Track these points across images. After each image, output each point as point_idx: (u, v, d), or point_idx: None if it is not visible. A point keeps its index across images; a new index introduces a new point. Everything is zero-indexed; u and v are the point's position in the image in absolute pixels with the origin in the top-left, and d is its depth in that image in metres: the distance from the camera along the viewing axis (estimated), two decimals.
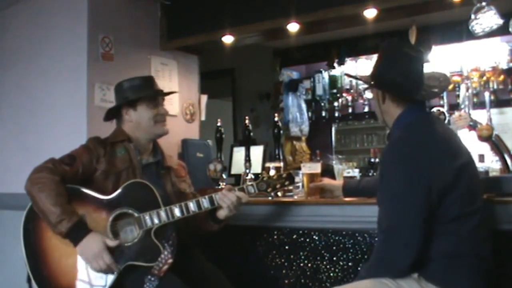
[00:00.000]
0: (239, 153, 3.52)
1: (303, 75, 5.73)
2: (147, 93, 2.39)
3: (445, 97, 4.27)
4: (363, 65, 5.18)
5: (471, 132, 3.48)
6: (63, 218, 2.07)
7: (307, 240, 2.52)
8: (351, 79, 5.41)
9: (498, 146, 3.46)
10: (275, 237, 2.61)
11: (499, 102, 4.62)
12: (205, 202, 2.25)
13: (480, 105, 4.40)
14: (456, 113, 3.57)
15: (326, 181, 2.58)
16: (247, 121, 3.13)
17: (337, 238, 2.44)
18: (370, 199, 2.32)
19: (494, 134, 3.42)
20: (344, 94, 5.44)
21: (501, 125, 4.30)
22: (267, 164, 2.87)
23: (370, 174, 3.78)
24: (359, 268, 2.36)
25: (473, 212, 1.78)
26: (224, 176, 3.06)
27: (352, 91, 5.48)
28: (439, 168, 1.76)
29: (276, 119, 3.15)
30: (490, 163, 3.52)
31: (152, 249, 2.15)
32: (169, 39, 3.53)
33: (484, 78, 4.62)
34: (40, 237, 2.17)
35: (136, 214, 2.18)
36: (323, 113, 5.52)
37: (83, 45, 3.11)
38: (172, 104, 3.46)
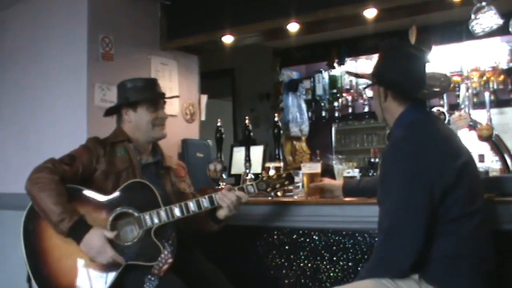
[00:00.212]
0: (239, 153, 3.52)
1: (303, 75, 5.74)
2: (148, 96, 2.38)
3: (445, 97, 4.27)
4: (363, 65, 5.18)
5: (471, 132, 3.48)
6: (65, 217, 2.07)
7: (307, 240, 2.52)
8: (351, 78, 5.41)
9: (498, 146, 3.47)
10: (275, 237, 2.61)
11: (499, 102, 4.63)
12: (205, 202, 2.26)
13: (480, 105, 4.40)
14: (456, 113, 3.57)
15: (326, 181, 2.58)
16: (247, 121, 3.13)
17: (337, 238, 2.44)
18: (370, 199, 2.32)
19: (494, 134, 3.43)
20: (344, 94, 5.44)
21: (501, 125, 4.30)
22: (267, 164, 2.87)
23: (370, 174, 3.78)
24: (359, 268, 2.36)
25: (474, 212, 1.78)
26: (224, 176, 3.06)
27: (352, 91, 5.48)
28: (441, 167, 1.75)
29: (276, 119, 3.15)
30: (490, 163, 3.52)
31: (152, 249, 2.15)
32: (169, 39, 3.53)
33: (484, 78, 4.62)
34: (40, 237, 2.17)
35: (136, 214, 2.18)
36: (323, 113, 5.52)
37: (83, 45, 3.11)
38: (172, 104, 3.45)
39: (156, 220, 2.18)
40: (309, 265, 2.51)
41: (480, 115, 3.76)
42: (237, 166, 3.52)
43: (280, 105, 5.35)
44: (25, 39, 3.46)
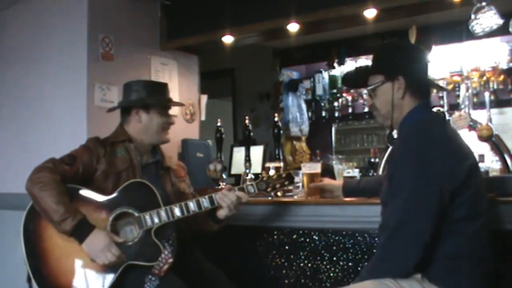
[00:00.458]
0: (239, 153, 3.52)
1: (303, 75, 5.73)
2: (162, 99, 2.42)
3: (445, 97, 4.28)
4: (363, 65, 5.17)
5: (471, 132, 3.48)
6: (67, 217, 2.07)
7: (307, 240, 2.52)
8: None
9: (498, 146, 3.47)
10: (275, 237, 2.61)
11: (499, 102, 4.62)
12: (205, 202, 2.26)
13: (480, 105, 4.40)
14: (456, 113, 3.58)
15: (326, 181, 2.57)
16: (247, 121, 3.13)
17: (337, 238, 2.44)
18: (370, 199, 2.32)
19: (494, 134, 3.43)
20: (344, 94, 5.44)
21: (501, 125, 4.29)
22: (267, 164, 2.87)
23: (370, 174, 3.78)
24: (359, 268, 2.36)
25: (479, 213, 1.77)
26: (224, 176, 3.06)
27: (352, 91, 5.47)
28: (451, 168, 1.73)
29: (276, 119, 3.15)
30: (490, 163, 3.52)
31: (153, 249, 2.15)
32: (169, 39, 3.53)
33: (484, 78, 4.62)
34: (41, 236, 2.17)
35: (136, 214, 2.18)
36: (323, 113, 5.52)
37: (83, 45, 3.11)
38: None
39: (156, 220, 2.18)
40: (309, 265, 2.51)
41: (480, 115, 3.76)
42: (237, 166, 3.52)
43: (280, 105, 5.35)
44: (25, 39, 3.46)
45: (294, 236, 2.55)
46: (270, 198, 2.56)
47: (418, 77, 1.93)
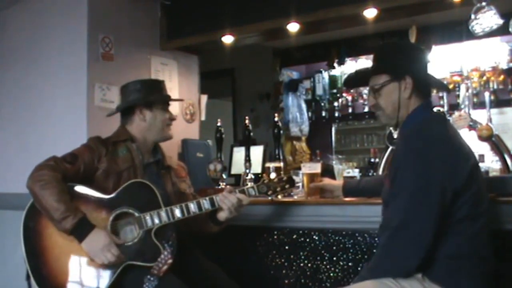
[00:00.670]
0: (239, 153, 3.52)
1: (303, 75, 5.73)
2: (164, 96, 2.45)
3: (445, 97, 4.28)
4: (363, 65, 5.17)
5: (471, 132, 3.48)
6: (68, 215, 2.07)
7: (307, 240, 2.52)
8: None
9: (498, 146, 3.47)
10: (275, 237, 2.61)
11: (499, 102, 4.62)
12: (205, 203, 2.26)
13: (480, 105, 4.39)
14: (456, 113, 3.58)
15: (326, 181, 2.57)
16: (247, 121, 3.12)
17: (337, 238, 2.44)
18: (370, 199, 2.32)
19: (494, 134, 3.43)
20: (344, 94, 5.43)
21: (501, 125, 4.29)
22: (267, 164, 2.87)
23: (370, 174, 3.78)
24: (359, 268, 2.36)
25: (480, 213, 1.78)
26: (224, 176, 3.06)
27: (352, 91, 5.47)
28: (454, 168, 1.74)
29: (276, 119, 3.15)
30: (490, 163, 3.52)
31: (152, 249, 2.15)
32: (169, 39, 3.53)
33: (484, 78, 4.62)
34: (41, 235, 2.17)
35: (136, 214, 2.18)
36: (323, 113, 5.51)
37: (83, 45, 3.11)
38: (172, 104, 3.44)
39: (156, 221, 2.18)
40: (309, 265, 2.51)
41: (480, 115, 3.76)
42: (237, 166, 3.52)
43: (280, 105, 5.35)
44: (25, 39, 3.45)
45: (294, 236, 2.55)
46: (270, 198, 2.56)
47: (423, 77, 1.95)
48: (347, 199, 2.44)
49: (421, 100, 1.91)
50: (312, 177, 2.57)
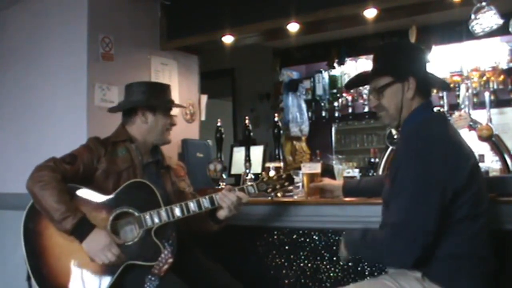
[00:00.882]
0: (239, 153, 3.52)
1: (303, 75, 5.73)
2: (167, 101, 2.45)
3: (445, 97, 4.28)
4: (363, 65, 5.18)
5: (471, 132, 3.48)
6: (68, 215, 2.07)
7: (307, 240, 2.52)
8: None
9: (498, 146, 3.47)
10: (275, 237, 2.61)
11: (499, 102, 4.62)
12: (205, 202, 2.26)
13: (480, 105, 4.40)
14: (456, 113, 3.58)
15: (326, 181, 2.57)
16: (247, 121, 3.12)
17: (337, 238, 2.44)
18: (370, 199, 2.32)
19: (494, 134, 3.43)
20: (344, 94, 5.44)
21: (501, 125, 4.29)
22: (267, 164, 2.87)
23: (370, 174, 3.78)
24: (359, 268, 2.36)
25: (480, 213, 1.78)
26: (224, 176, 3.05)
27: (352, 91, 5.47)
28: (454, 168, 1.74)
29: (276, 119, 3.14)
30: (490, 163, 3.52)
31: (153, 249, 2.15)
32: (169, 39, 3.53)
33: (484, 78, 4.62)
34: (41, 235, 2.17)
35: (136, 214, 2.18)
36: (323, 113, 5.52)
37: (83, 45, 3.11)
38: None
39: (156, 220, 2.18)
40: (309, 265, 2.51)
41: (480, 115, 3.76)
42: (237, 166, 3.52)
43: (280, 105, 5.35)
44: (25, 39, 3.46)
45: (294, 236, 2.55)
46: (270, 198, 2.56)
47: (425, 77, 1.95)
48: (347, 199, 2.44)
49: (421, 100, 1.92)
50: (312, 177, 2.57)
